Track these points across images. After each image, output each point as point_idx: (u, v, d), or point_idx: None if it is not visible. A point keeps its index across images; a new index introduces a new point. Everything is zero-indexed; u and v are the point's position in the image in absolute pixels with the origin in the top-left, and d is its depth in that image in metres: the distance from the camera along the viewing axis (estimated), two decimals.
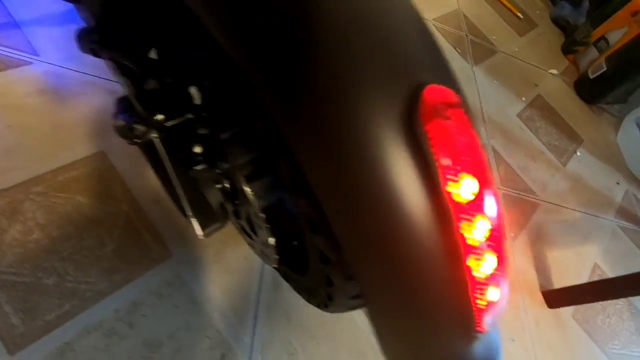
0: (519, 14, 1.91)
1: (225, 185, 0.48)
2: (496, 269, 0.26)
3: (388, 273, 0.27)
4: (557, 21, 2.04)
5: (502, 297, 0.28)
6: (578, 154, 1.53)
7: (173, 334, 0.66)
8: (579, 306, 1.10)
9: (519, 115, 1.48)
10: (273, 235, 0.44)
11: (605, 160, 1.59)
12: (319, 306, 0.52)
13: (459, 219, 0.25)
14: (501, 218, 0.26)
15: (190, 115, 0.42)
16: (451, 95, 0.25)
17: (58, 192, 0.69)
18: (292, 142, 0.26)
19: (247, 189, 0.43)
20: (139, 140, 0.37)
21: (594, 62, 1.73)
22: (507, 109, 1.47)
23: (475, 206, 0.25)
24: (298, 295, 0.79)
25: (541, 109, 1.57)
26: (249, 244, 0.59)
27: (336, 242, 0.29)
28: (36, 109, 0.74)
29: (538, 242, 1.17)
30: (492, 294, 0.27)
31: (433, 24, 1.52)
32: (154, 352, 0.63)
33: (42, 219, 0.66)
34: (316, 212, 0.34)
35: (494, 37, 1.71)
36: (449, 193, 0.24)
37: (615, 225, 1.39)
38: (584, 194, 1.41)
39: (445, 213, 0.25)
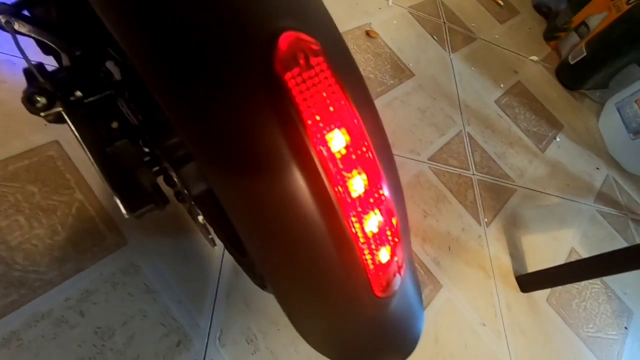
0: (500, 1, 1.90)
1: (160, 167, 0.47)
2: (382, 226, 0.25)
3: (273, 243, 0.26)
4: (539, 8, 2.03)
5: (396, 260, 0.27)
6: (558, 139, 1.52)
7: (126, 322, 0.65)
8: (553, 291, 1.09)
9: (497, 102, 1.47)
10: (202, 214, 0.44)
11: (586, 146, 1.59)
12: (261, 287, 0.51)
13: (335, 177, 0.24)
14: (378, 172, 0.25)
15: (110, 92, 0.41)
16: (310, 43, 0.24)
17: (8, 182, 0.68)
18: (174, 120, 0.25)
19: (174, 176, 0.42)
20: (45, 114, 0.36)
21: (575, 48, 1.72)
22: (484, 96, 1.46)
23: (349, 160, 0.24)
24: None
25: (520, 96, 1.56)
26: (196, 226, 0.59)
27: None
28: None
29: (513, 227, 1.16)
30: (382, 254, 0.26)
31: (410, 12, 1.51)
32: (105, 340, 0.63)
33: None
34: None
35: (473, 24, 1.69)
36: (319, 150, 0.23)
37: (594, 210, 1.39)
38: (562, 180, 1.40)
39: (318, 172, 0.23)
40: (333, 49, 0.25)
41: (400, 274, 0.28)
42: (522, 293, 1.04)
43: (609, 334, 1.12)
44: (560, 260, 1.17)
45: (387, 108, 1.19)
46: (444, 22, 1.59)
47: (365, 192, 0.24)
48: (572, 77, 1.72)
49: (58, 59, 0.45)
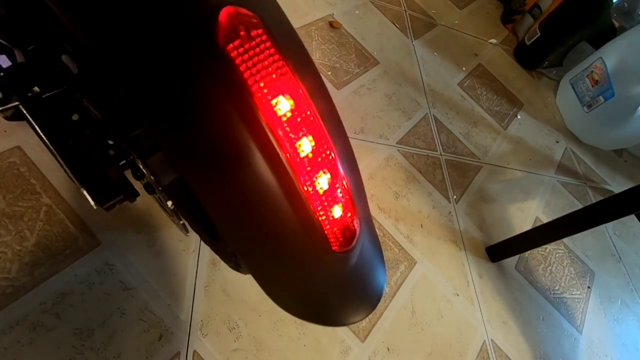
0: None
1: (126, 159, 0.48)
2: (332, 184, 0.27)
3: (234, 211, 0.28)
4: None
5: (349, 215, 0.29)
6: (519, 117, 1.60)
7: (105, 321, 0.65)
8: (521, 258, 1.16)
9: (460, 85, 1.53)
10: (172, 199, 0.45)
11: (545, 122, 1.67)
12: (236, 268, 0.53)
13: (283, 140, 0.26)
14: (324, 134, 0.27)
15: (68, 86, 0.41)
16: (250, 17, 0.25)
17: None
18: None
19: (141, 165, 0.43)
20: (2, 108, 0.36)
21: (530, 29, 1.80)
22: (447, 79, 1.51)
23: (295, 124, 0.26)
24: (238, 274, 0.79)
25: (481, 77, 1.63)
26: (169, 217, 0.59)
27: None
28: None
29: (481, 202, 1.22)
30: (335, 211, 0.28)
31: (372, 1, 1.54)
32: (85, 340, 0.63)
33: None
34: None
35: (433, 11, 1.74)
36: (266, 115, 0.25)
37: (555, 180, 1.47)
38: (525, 154, 1.48)
39: (267, 137, 0.25)
40: (274, 23, 0.27)
41: (355, 228, 0.30)
42: (492, 263, 1.10)
43: (574, 294, 1.20)
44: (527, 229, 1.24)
45: (354, 95, 1.22)
46: (405, 10, 1.63)
47: (313, 152, 0.26)
48: (529, 57, 1.80)
49: (11, 56, 0.45)
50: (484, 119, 1.48)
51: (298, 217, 0.27)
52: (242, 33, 0.24)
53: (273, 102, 0.25)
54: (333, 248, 0.30)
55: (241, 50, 0.24)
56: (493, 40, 1.84)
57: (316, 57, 1.22)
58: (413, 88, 1.38)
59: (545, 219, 1.30)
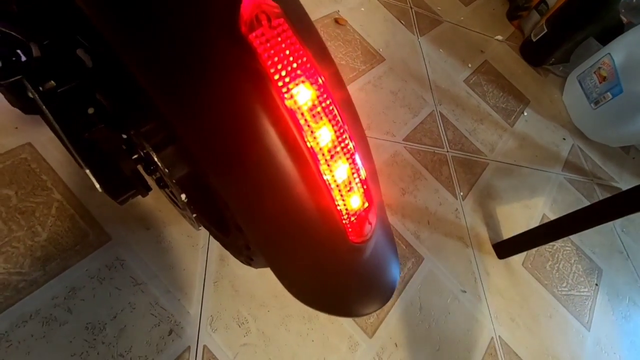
0: None
1: (139, 153, 0.48)
2: (350, 174, 0.27)
3: (255, 200, 0.28)
4: None
5: (366, 206, 0.29)
6: (525, 114, 1.59)
7: (116, 315, 0.66)
8: (528, 255, 1.16)
9: (466, 81, 1.52)
10: (185, 193, 0.45)
11: (552, 118, 1.66)
12: (247, 263, 0.53)
13: (303, 128, 0.26)
14: (343, 123, 0.27)
15: (83, 79, 0.42)
16: (272, 6, 0.26)
17: None
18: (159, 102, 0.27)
19: (155, 157, 0.43)
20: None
21: (536, 26, 1.79)
22: (453, 76, 1.50)
23: (315, 113, 0.26)
24: (246, 267, 0.80)
25: (487, 74, 1.62)
26: (179, 212, 0.60)
27: None
28: None
29: (488, 199, 1.22)
30: (353, 200, 0.28)
31: None
32: (96, 334, 0.63)
33: None
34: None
35: (438, 7, 1.73)
36: (286, 103, 0.25)
37: (562, 177, 1.46)
38: (531, 151, 1.47)
39: (288, 126, 0.25)
40: (294, 13, 0.27)
41: (371, 220, 0.30)
42: (499, 259, 1.09)
43: (582, 291, 1.19)
44: (533, 227, 1.23)
45: (360, 92, 1.22)
46: (411, 7, 1.62)
47: (332, 142, 0.26)
48: (535, 53, 1.78)
49: (27, 50, 0.45)
50: (490, 115, 1.47)
51: (317, 206, 0.27)
52: (264, 22, 0.24)
53: (294, 90, 0.25)
54: (349, 238, 0.30)
55: (263, 39, 0.24)
56: (499, 37, 1.83)
57: None
58: (419, 85, 1.38)
59: (552, 216, 1.30)
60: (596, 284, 1.24)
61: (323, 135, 0.26)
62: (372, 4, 1.51)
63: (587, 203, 1.44)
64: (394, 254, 0.37)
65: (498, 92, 1.58)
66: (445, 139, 1.28)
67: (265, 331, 0.75)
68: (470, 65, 1.59)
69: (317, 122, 0.25)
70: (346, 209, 0.28)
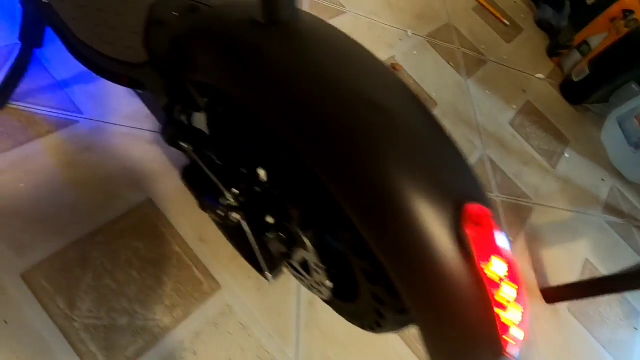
0: (505, 21, 2.01)
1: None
2: (516, 298, 0.36)
3: (437, 304, 0.37)
4: (541, 24, 2.15)
5: (523, 323, 0.38)
6: (566, 155, 1.65)
7: (230, 357, 0.76)
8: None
9: (511, 123, 1.59)
10: (331, 280, 0.55)
11: (591, 158, 1.72)
12: (371, 328, 0.62)
13: (491, 287, 0.35)
14: (521, 282, 0.37)
15: (258, 190, 0.52)
16: (484, 210, 0.35)
17: (117, 240, 0.78)
18: (372, 238, 0.37)
19: (313, 253, 0.53)
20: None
21: (577, 65, 1.85)
22: (499, 118, 1.58)
23: (509, 279, 0.36)
24: (330, 313, 0.89)
25: (530, 115, 1.69)
26: (298, 279, 0.70)
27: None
28: (86, 165, 0.83)
29: (534, 243, 1.29)
30: (514, 315, 0.37)
31: (428, 41, 1.62)
32: None
33: (108, 265, 0.75)
34: (374, 268, 0.45)
35: (483, 46, 1.81)
36: (483, 270, 0.35)
37: (602, 220, 1.52)
38: (573, 193, 1.53)
39: (481, 283, 0.35)
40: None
41: (521, 338, 0.39)
42: (546, 304, 1.17)
43: (622, 335, 1.26)
44: (577, 271, 1.31)
45: None
46: (458, 48, 1.70)
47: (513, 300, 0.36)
48: (576, 93, 1.85)
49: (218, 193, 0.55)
50: (534, 158, 1.55)
51: (484, 320, 0.36)
52: (482, 225, 0.34)
53: (491, 265, 0.34)
54: (503, 351, 0.39)
55: (477, 237, 0.34)
56: (540, 75, 1.90)
57: None
58: (468, 128, 1.46)
59: (594, 260, 1.36)
60: (635, 328, 1.30)
61: (505, 291, 0.35)
62: (423, 47, 1.59)
63: (626, 246, 1.50)
64: None
65: (541, 132, 1.65)
66: (496, 183, 1.36)
67: None
68: (514, 107, 1.66)
69: (502, 280, 0.35)
70: (506, 320, 0.37)
